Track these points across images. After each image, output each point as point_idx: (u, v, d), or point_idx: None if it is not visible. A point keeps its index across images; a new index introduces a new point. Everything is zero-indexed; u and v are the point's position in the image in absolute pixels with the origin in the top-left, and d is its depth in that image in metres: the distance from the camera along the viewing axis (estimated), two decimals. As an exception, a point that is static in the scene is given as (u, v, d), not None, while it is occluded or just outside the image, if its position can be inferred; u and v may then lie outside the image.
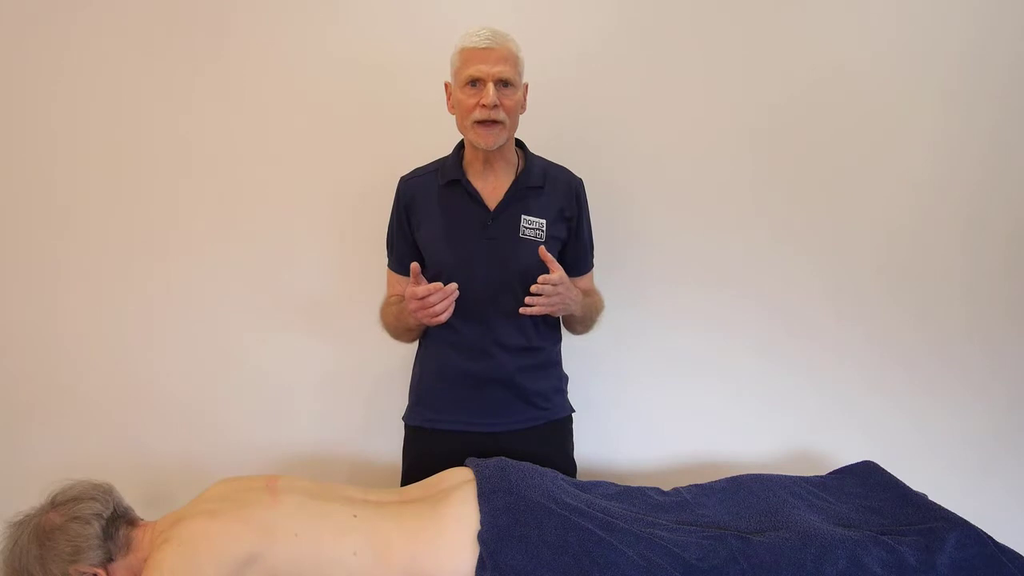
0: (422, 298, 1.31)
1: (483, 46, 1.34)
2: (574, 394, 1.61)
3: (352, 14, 1.76)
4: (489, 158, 1.44)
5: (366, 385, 1.87)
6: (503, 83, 1.35)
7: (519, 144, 1.53)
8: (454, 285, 1.32)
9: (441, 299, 1.31)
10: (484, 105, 1.33)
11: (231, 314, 1.84)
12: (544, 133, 1.63)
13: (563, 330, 1.60)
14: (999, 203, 1.85)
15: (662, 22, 1.77)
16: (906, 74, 1.80)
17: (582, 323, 1.54)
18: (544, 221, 1.45)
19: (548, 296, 1.33)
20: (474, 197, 1.44)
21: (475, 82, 1.35)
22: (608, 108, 1.80)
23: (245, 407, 1.86)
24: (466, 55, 1.36)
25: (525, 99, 1.45)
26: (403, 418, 1.57)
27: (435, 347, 1.52)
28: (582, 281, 1.55)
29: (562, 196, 1.49)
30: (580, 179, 1.54)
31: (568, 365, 1.61)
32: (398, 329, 1.51)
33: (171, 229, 1.81)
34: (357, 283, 1.81)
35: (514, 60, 1.36)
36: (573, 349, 1.64)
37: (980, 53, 1.79)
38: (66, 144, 1.78)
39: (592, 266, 1.59)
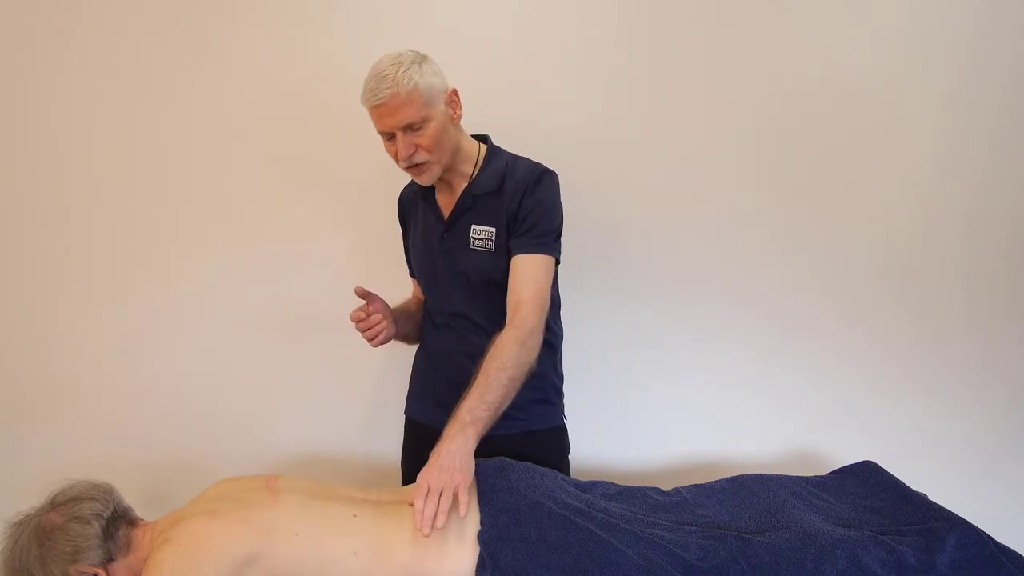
0: (357, 321, 1.38)
1: (376, 103, 1.27)
2: (575, 396, 1.60)
3: (353, 15, 1.76)
4: (442, 175, 1.41)
5: (367, 386, 1.87)
6: (410, 127, 1.30)
7: (486, 141, 1.49)
8: (378, 317, 1.38)
9: (366, 328, 1.38)
10: (400, 158, 1.33)
11: (231, 314, 1.84)
12: (542, 134, 1.63)
13: (561, 338, 1.55)
14: (999, 203, 1.84)
15: (661, 23, 1.77)
16: (906, 74, 1.80)
17: (505, 399, 1.25)
18: (493, 230, 1.40)
19: (432, 504, 1.10)
20: (435, 210, 1.47)
21: (388, 135, 1.33)
22: (606, 109, 1.80)
23: (245, 407, 1.86)
24: (370, 113, 1.32)
25: (455, 107, 1.37)
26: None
27: (421, 347, 1.60)
28: (514, 267, 1.37)
29: (511, 197, 1.39)
30: (542, 171, 1.41)
31: (569, 366, 1.60)
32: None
33: (172, 229, 1.82)
34: (358, 283, 1.81)
35: (412, 98, 1.27)
36: (574, 350, 1.64)
37: (980, 53, 1.79)
38: (66, 144, 1.78)
39: (534, 251, 1.36)
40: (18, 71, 1.76)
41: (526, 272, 1.36)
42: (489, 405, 1.22)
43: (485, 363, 1.26)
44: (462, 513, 1.13)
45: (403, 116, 1.28)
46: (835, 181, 1.83)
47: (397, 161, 1.35)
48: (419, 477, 1.15)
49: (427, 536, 1.11)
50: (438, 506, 1.11)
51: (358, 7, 1.76)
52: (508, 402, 1.26)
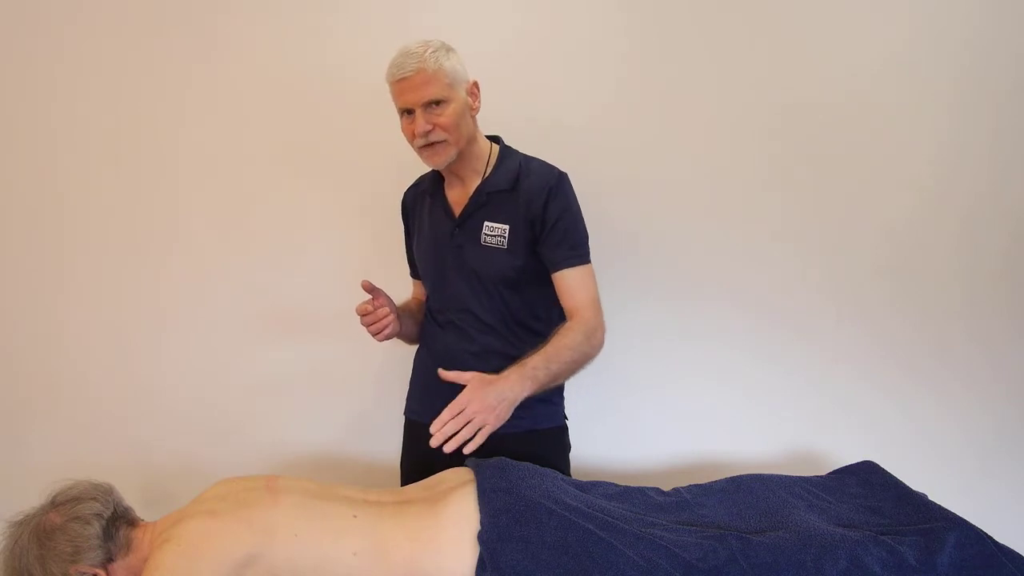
0: (363, 315, 1.40)
1: (402, 76, 1.31)
2: (574, 396, 1.60)
3: (354, 14, 1.76)
4: (454, 168, 1.43)
5: (367, 386, 1.87)
6: (433, 103, 1.32)
7: (498, 141, 1.50)
8: (385, 311, 1.39)
9: (371, 322, 1.40)
10: (417, 135, 1.34)
11: (232, 314, 1.84)
12: (544, 133, 1.63)
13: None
14: (999, 203, 1.84)
15: (668, 23, 1.77)
16: (907, 75, 1.80)
17: (560, 376, 1.30)
18: (507, 227, 1.41)
19: (456, 425, 1.14)
20: (444, 206, 1.47)
21: (408, 111, 1.34)
22: (609, 112, 1.80)
23: (245, 407, 1.86)
24: (393, 88, 1.34)
25: (475, 99, 1.40)
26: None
27: (422, 347, 1.59)
28: (563, 279, 1.40)
29: (531, 197, 1.40)
30: (559, 174, 1.44)
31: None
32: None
33: (173, 229, 1.82)
34: (357, 283, 1.81)
35: (437, 76, 1.31)
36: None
37: (981, 54, 1.79)
38: (68, 144, 1.78)
39: (580, 262, 1.41)
40: (19, 70, 1.76)
41: (576, 285, 1.40)
42: (550, 372, 1.26)
43: (552, 338, 1.30)
44: (468, 449, 1.15)
45: (426, 92, 1.30)
46: (836, 181, 1.83)
47: (412, 140, 1.36)
48: (464, 393, 1.17)
49: (433, 446, 1.13)
50: (458, 432, 1.14)
51: (365, 6, 1.76)
52: (561, 380, 1.31)
